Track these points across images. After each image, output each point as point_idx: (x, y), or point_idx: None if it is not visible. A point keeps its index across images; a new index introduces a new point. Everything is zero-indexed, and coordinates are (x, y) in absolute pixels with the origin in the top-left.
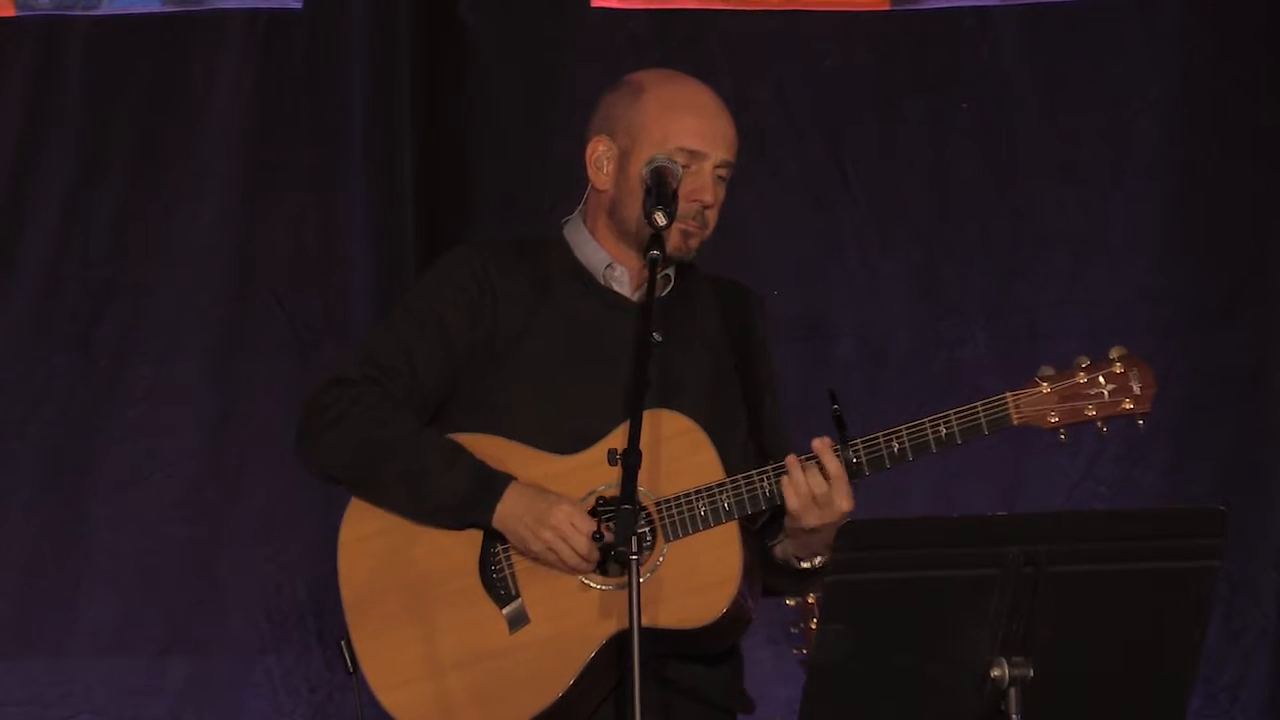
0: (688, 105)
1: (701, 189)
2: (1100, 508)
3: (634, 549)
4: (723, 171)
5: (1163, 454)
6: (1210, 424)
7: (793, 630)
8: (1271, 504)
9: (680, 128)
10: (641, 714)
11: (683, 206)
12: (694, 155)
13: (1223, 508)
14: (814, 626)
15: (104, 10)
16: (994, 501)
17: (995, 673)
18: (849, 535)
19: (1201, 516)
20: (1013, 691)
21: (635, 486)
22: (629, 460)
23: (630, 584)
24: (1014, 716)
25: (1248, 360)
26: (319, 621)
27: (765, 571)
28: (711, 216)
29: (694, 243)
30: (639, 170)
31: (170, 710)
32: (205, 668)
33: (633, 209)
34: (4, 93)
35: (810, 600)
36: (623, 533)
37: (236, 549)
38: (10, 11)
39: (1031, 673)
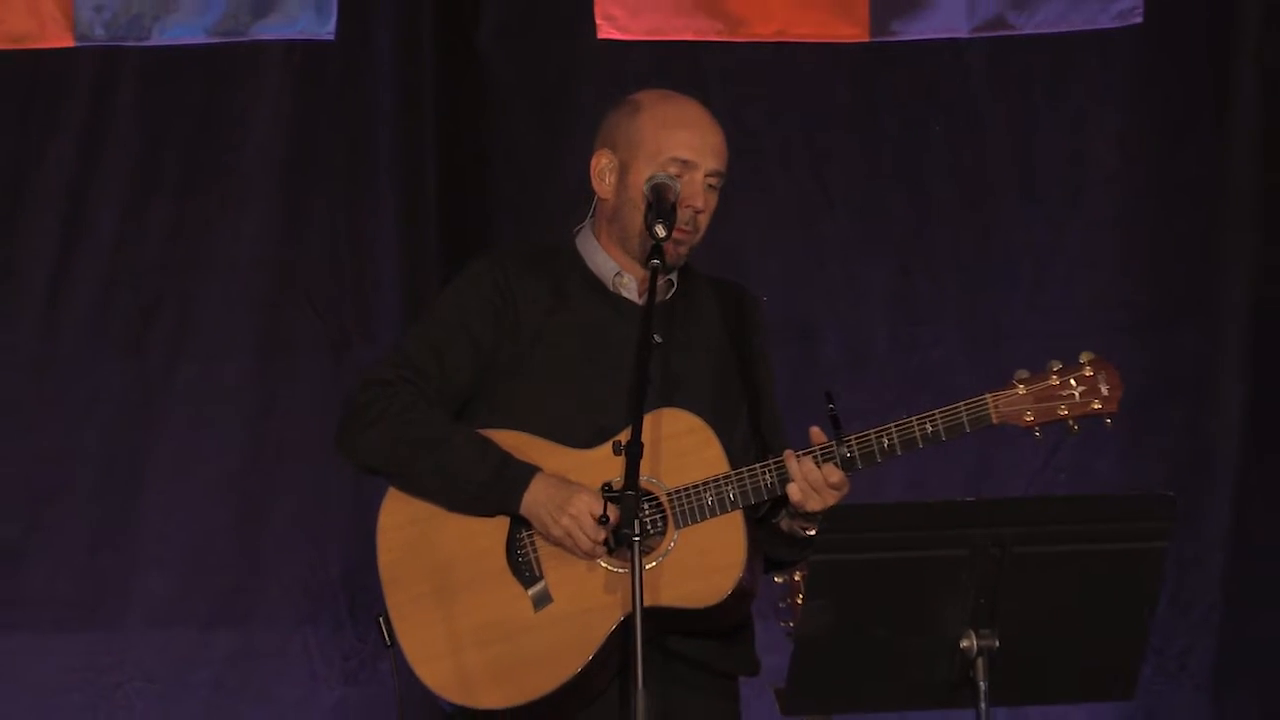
0: (680, 120)
1: (693, 195)
2: (1060, 494)
3: (636, 532)
4: (713, 180)
5: (1118, 444)
6: (1161, 418)
7: (780, 605)
8: (1217, 490)
9: (674, 141)
10: (647, 682)
11: (678, 213)
12: (686, 165)
13: (1172, 494)
14: (800, 602)
15: (154, 41)
16: (963, 488)
17: (964, 643)
18: (832, 519)
19: (1153, 502)
20: (980, 660)
21: (638, 476)
22: (631, 451)
23: (633, 563)
24: (981, 683)
25: (1195, 360)
26: (351, 597)
27: (773, 543)
28: (703, 221)
29: (684, 249)
30: (638, 181)
31: (215, 678)
32: (247, 639)
33: (631, 217)
34: (65, 115)
35: (797, 578)
36: (626, 517)
37: (276, 532)
38: (70, 42)
39: (997, 643)
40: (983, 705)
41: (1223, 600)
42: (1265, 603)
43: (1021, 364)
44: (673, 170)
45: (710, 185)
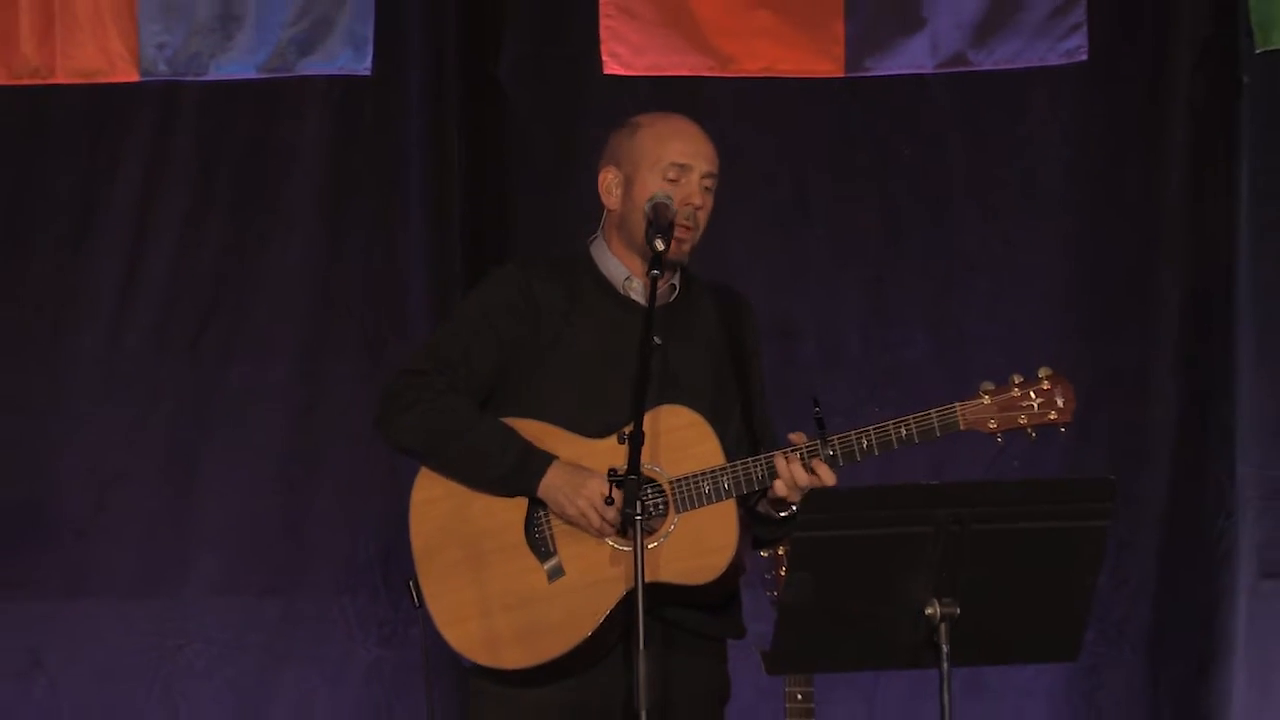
0: (674, 132)
1: (691, 194)
2: (1013, 478)
3: (637, 511)
4: (708, 182)
5: (1065, 434)
6: (1104, 411)
7: (766, 577)
8: (1152, 476)
9: (670, 149)
10: (648, 644)
11: (679, 210)
12: (683, 169)
13: (1112, 478)
14: (783, 574)
15: (211, 77)
16: (927, 473)
17: (929, 611)
18: (812, 500)
19: (1095, 486)
20: (943, 626)
21: (639, 461)
22: (633, 441)
23: (635, 538)
24: (944, 646)
25: (1133, 360)
26: (384, 570)
27: (751, 523)
28: (702, 218)
29: (686, 246)
30: (642, 190)
31: (265, 640)
32: (294, 606)
33: (638, 223)
34: (131, 142)
35: (780, 553)
36: (628, 498)
37: (319, 512)
38: (135, 77)
39: (958, 611)
40: (945, 665)
41: (1157, 573)
42: (1193, 575)
43: (980, 363)
44: (671, 175)
45: (706, 187)
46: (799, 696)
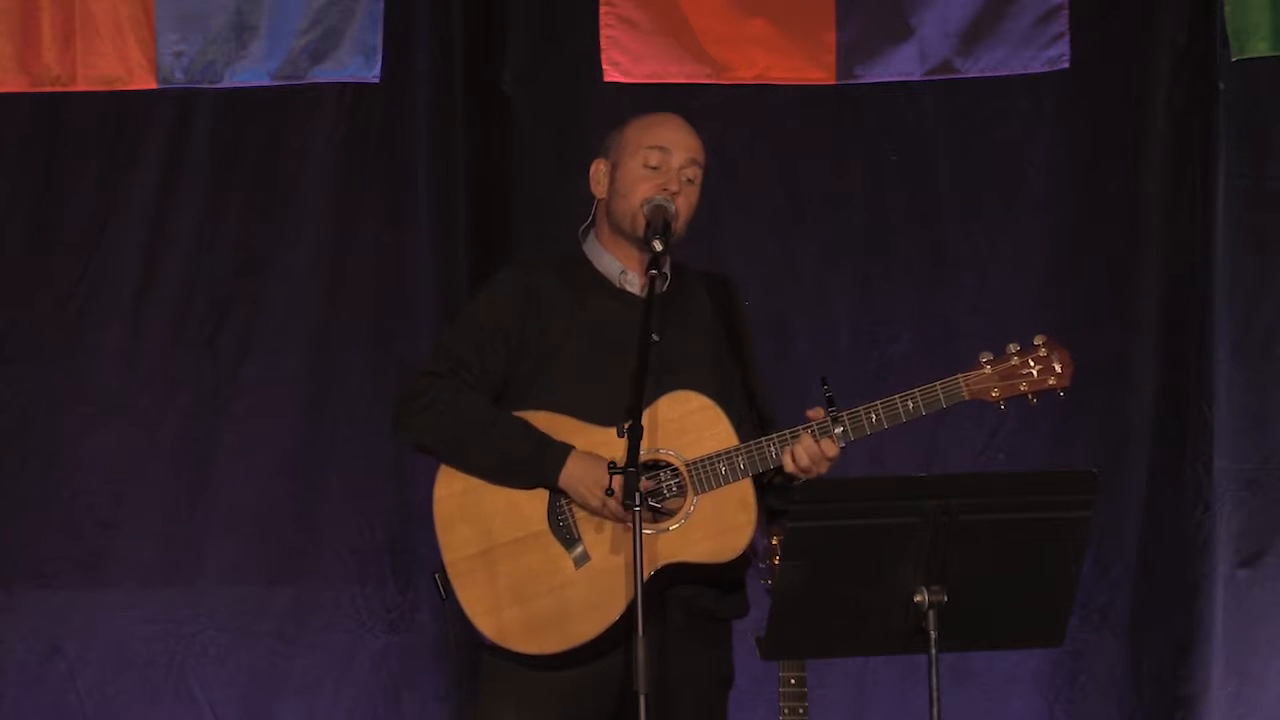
0: (659, 120)
1: (670, 180)
2: (999, 469)
3: (636, 504)
4: (689, 172)
5: (1049, 427)
6: (1086, 404)
7: (760, 566)
8: (1133, 468)
9: (652, 134)
10: (648, 630)
11: (657, 194)
12: (664, 152)
13: (1094, 470)
14: (777, 563)
15: (225, 84)
16: (916, 465)
17: (918, 598)
18: (805, 491)
19: (1078, 477)
20: (931, 613)
21: (638, 454)
22: (633, 434)
23: (634, 528)
24: (932, 632)
25: (1115, 354)
26: (393, 559)
27: (762, 495)
28: (681, 204)
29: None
30: (626, 171)
31: (276, 627)
32: (304, 593)
33: (621, 206)
34: (149, 147)
35: (774, 542)
36: (627, 490)
37: (329, 502)
38: (153, 85)
39: (946, 598)
40: (933, 651)
41: (1137, 560)
42: (1173, 563)
43: (966, 358)
44: (653, 160)
45: (688, 178)
46: (792, 681)
